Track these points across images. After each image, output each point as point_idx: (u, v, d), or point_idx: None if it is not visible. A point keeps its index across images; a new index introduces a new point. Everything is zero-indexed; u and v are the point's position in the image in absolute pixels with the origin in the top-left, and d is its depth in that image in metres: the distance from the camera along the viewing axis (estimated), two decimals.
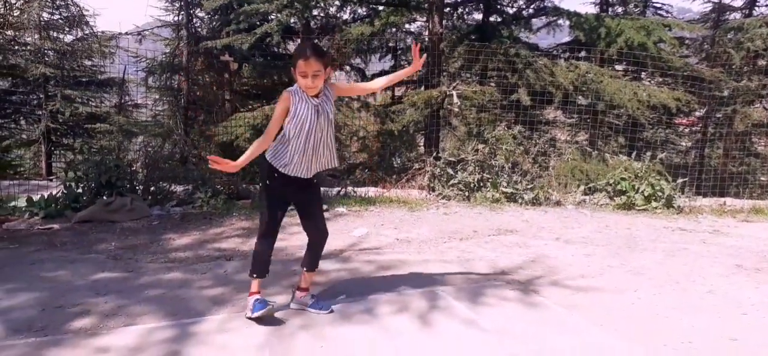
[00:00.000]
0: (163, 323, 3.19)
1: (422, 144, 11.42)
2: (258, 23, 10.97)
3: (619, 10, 11.79)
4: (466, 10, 11.18)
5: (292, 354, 2.87)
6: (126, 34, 11.09)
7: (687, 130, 15.39)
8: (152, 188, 6.43)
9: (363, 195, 7.06)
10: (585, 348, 3.02)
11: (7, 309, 3.35)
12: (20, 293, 3.63)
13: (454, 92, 7.59)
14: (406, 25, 11.93)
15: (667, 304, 3.71)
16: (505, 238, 5.34)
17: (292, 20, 11.11)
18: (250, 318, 3.16)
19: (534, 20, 10.84)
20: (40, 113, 12.35)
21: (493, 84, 9.75)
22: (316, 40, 11.45)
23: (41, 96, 12.32)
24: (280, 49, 13.19)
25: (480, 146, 7.03)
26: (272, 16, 10.67)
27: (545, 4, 10.62)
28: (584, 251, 4.96)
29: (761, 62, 12.28)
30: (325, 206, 6.37)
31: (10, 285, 3.78)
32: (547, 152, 7.89)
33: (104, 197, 5.94)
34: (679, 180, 7.00)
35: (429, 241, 5.19)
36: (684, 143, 15.64)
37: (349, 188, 7.23)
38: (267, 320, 3.21)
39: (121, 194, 6.00)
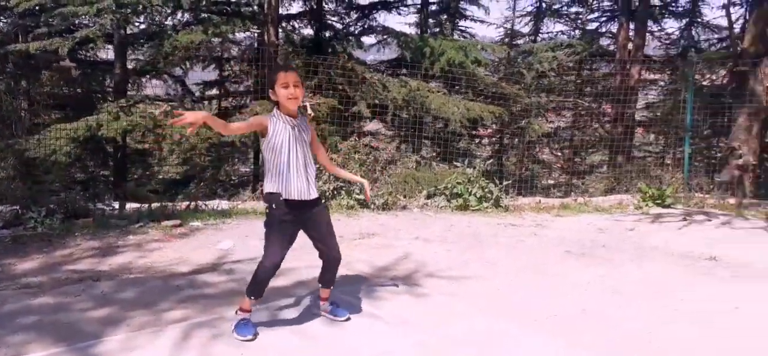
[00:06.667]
0: (57, 349, 2.92)
1: (261, 157, 11.36)
2: (72, 27, 10.02)
3: (436, 30, 12.97)
4: (299, 24, 11.42)
5: None
6: None
7: (487, 141, 17.42)
8: None
9: (215, 208, 6.87)
10: (477, 330, 3.43)
11: None
12: None
13: (306, 103, 7.71)
14: (238, 35, 11.77)
15: (526, 287, 4.34)
16: (371, 240, 5.67)
17: (109, 26, 10.29)
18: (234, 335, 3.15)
19: (364, 38, 11.48)
20: None
21: (329, 97, 10.10)
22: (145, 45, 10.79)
23: None
24: (89, 56, 12.14)
25: (334, 156, 7.29)
26: (91, 21, 9.80)
27: (374, 23, 11.29)
28: (443, 247, 5.49)
29: (547, 80, 14.47)
30: (178, 222, 6.18)
31: None
32: (378, 159, 8.42)
33: None
34: (504, 183, 8.01)
35: (300, 248, 5.24)
36: (481, 153, 17.65)
37: (199, 202, 6.96)
38: (179, 332, 3.11)
39: None
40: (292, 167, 3.07)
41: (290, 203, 3.09)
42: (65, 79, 10.18)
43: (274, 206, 3.09)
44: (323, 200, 3.30)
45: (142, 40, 11.70)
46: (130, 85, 12.75)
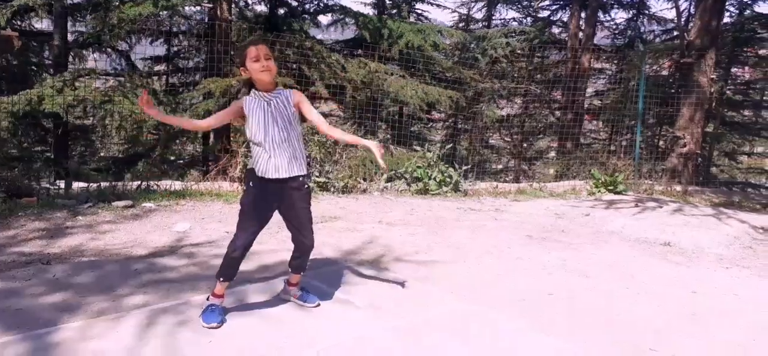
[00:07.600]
0: (11, 336, 2.72)
1: (211, 136, 11.01)
2: None
3: (394, 12, 12.86)
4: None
5: (180, 350, 2.72)
6: None
7: (440, 125, 17.55)
8: None
9: (168, 189, 6.60)
10: (449, 314, 3.41)
11: None
12: None
13: None
14: (189, 9, 11.30)
15: (493, 270, 4.35)
16: (334, 224, 5.57)
17: None
18: (200, 321, 3.04)
19: (321, 17, 11.24)
20: None
21: (285, 75, 9.86)
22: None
23: None
24: (24, 26, 11.41)
25: None
26: None
27: (330, 2, 11.05)
28: (407, 231, 5.45)
29: (500, 66, 14.64)
30: (130, 202, 5.90)
31: None
32: (338, 141, 8.29)
33: None
34: (464, 167, 8.05)
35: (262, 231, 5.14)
36: (433, 137, 17.76)
37: (151, 183, 6.67)
38: (141, 318, 2.95)
39: None
40: (269, 143, 2.94)
41: (267, 182, 2.98)
42: (7, 50, 9.53)
43: (251, 184, 3.02)
44: (307, 185, 3.15)
45: (84, 11, 11.08)
46: (71, 58, 12.10)
